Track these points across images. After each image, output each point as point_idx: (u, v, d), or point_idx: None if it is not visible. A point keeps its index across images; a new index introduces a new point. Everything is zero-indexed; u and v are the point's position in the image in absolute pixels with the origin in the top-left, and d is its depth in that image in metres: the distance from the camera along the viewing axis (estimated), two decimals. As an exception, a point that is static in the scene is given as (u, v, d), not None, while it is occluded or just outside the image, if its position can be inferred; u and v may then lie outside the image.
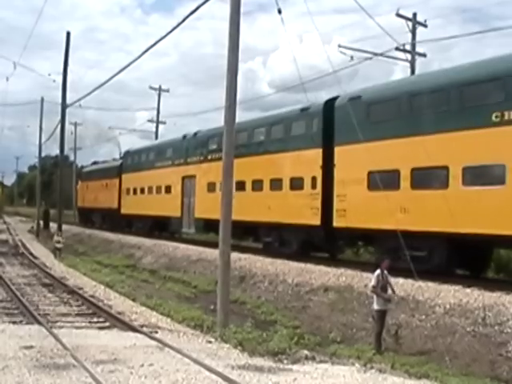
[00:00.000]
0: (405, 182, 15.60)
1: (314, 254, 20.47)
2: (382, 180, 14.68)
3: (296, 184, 19.91)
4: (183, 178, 28.51)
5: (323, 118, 19.16)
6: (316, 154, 19.10)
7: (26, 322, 11.60)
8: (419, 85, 16.33)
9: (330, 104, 19.00)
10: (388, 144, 16.23)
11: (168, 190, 30.42)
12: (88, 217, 47.52)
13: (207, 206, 24.71)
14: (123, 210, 36.97)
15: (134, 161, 36.83)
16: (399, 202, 15.39)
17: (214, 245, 22.22)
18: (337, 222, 17.78)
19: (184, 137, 29.56)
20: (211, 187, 24.88)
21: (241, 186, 22.09)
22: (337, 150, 18.21)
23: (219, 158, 23.90)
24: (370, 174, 16.51)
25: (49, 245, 32.30)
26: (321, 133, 19.17)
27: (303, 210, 19.20)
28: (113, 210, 39.14)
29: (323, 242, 19.43)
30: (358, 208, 17.18)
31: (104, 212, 42.36)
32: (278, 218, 20.49)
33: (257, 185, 22.10)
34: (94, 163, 50.69)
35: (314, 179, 19.06)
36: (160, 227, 32.82)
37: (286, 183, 20.37)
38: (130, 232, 35.30)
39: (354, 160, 17.27)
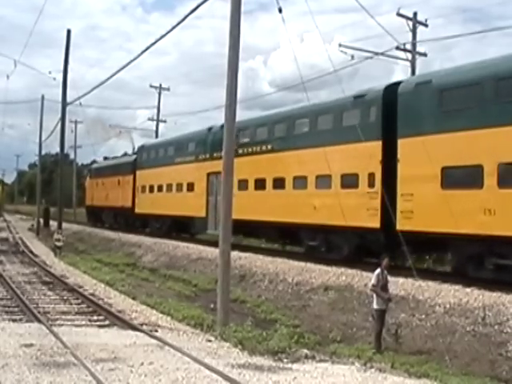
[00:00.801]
0: (489, 179, 13.67)
1: (368, 260, 18.11)
2: (460, 177, 13.57)
3: (348, 181, 17.66)
4: (208, 175, 25.93)
5: (383, 106, 16.92)
6: (374, 147, 16.77)
7: (26, 320, 11.61)
8: (508, 66, 14.00)
9: (390, 90, 16.85)
10: (468, 135, 14.26)
11: (190, 187, 27.84)
12: (98, 216, 44.75)
13: (238, 206, 22.51)
14: (138, 209, 34.59)
15: (150, 156, 34.13)
16: (482, 202, 13.66)
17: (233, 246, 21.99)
18: (401, 225, 15.21)
19: (209, 129, 26.98)
20: (242, 185, 22.63)
21: (279, 183, 20.56)
22: (401, 142, 16.02)
23: (252, 153, 22.79)
24: (444, 169, 14.67)
25: (49, 243, 32.31)
26: (380, 123, 16.91)
27: (358, 211, 16.99)
28: (126, 208, 36.81)
29: (382, 247, 16.60)
30: (429, 209, 15.11)
31: (116, 211, 39.75)
32: (325, 219, 18.26)
33: (299, 182, 19.80)
34: (105, 159, 47.97)
35: (371, 176, 16.88)
36: (180, 228, 30.64)
37: (336, 180, 17.86)
38: (145, 232, 33.24)
39: (424, 154, 15.02)
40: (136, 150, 39.73)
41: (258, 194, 22.05)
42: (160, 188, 31.54)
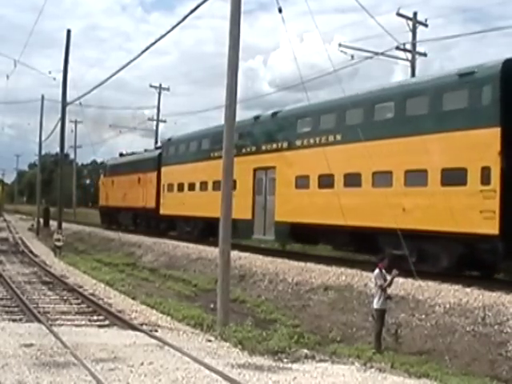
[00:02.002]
0: None
1: (471, 274, 15.82)
2: None
3: (452, 177, 14.53)
4: (255, 171, 22.54)
5: (501, 85, 13.77)
6: (489, 135, 13.73)
7: (26, 320, 11.60)
8: None
9: (510, 65, 13.86)
10: None
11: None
12: (113, 217, 40.35)
13: (296, 207, 19.64)
14: (163, 211, 30.65)
15: (178, 151, 30.17)
16: None
17: (296, 256, 19.28)
18: None
19: (256, 118, 23.60)
20: (302, 182, 19.43)
21: (354, 180, 17.33)
22: None
23: (315, 144, 19.00)
24: None
25: (49, 243, 32.31)
26: (498, 106, 13.74)
27: (466, 214, 14.06)
28: (148, 209, 33.12)
29: (499, 258, 14.19)
30: None
31: (136, 212, 35.85)
32: (417, 223, 15.12)
33: (381, 179, 16.54)
34: (121, 155, 44.35)
35: (485, 170, 13.78)
36: (214, 232, 28.27)
37: (435, 176, 14.87)
38: (172, 236, 30.18)
39: None
40: (160, 143, 35.79)
41: (323, 193, 18.44)
42: (192, 186, 27.78)
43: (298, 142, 20.07)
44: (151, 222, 33.52)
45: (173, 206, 29.32)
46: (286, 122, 21.26)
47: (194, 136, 29.45)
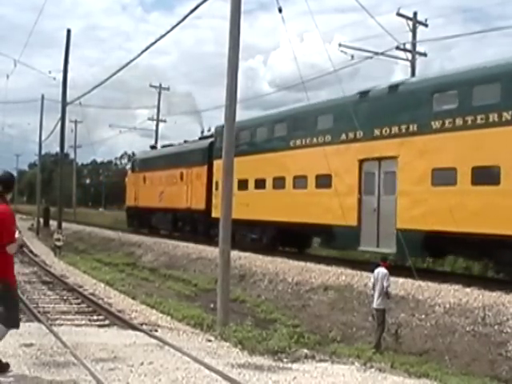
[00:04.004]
0: None
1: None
2: None
3: None
4: (361, 162, 17.40)
5: None
6: None
7: (26, 319, 11.57)
8: None
9: None
10: None
11: (325, 182, 18.37)
12: (144, 219, 35.27)
13: (433, 210, 14.76)
14: (217, 213, 23.33)
15: (238, 139, 22.64)
16: None
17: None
18: None
19: (362, 94, 17.92)
20: (444, 176, 14.68)
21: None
22: None
23: (465, 126, 14.15)
24: None
25: (49, 242, 32.32)
26: None
27: None
28: (195, 211, 27.72)
29: None
30: None
31: (177, 214, 30.48)
32: None
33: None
34: (153, 148, 39.38)
35: None
36: (290, 239, 22.33)
37: None
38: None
39: None
40: (213, 131, 28.22)
41: (480, 192, 13.77)
42: (260, 183, 22.30)
43: (436, 124, 14.99)
44: (199, 226, 27.74)
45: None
46: (413, 98, 15.86)
47: (262, 120, 23.67)
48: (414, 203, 15.28)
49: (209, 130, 27.46)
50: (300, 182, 19.68)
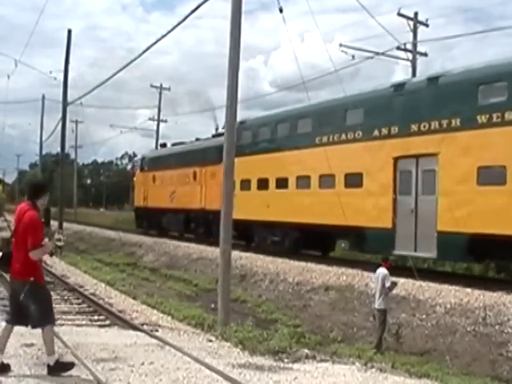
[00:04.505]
0: None
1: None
2: None
3: None
4: (396, 160, 16.28)
5: None
6: None
7: (27, 319, 11.60)
8: None
9: None
10: None
11: (354, 180, 17.43)
12: (154, 221, 33.85)
13: (480, 211, 13.79)
14: (234, 214, 22.39)
15: (258, 136, 23.12)
16: None
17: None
18: None
19: (397, 87, 16.80)
20: (493, 175, 13.70)
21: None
22: None
23: None
24: None
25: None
26: None
27: None
28: (209, 212, 25.94)
29: None
30: None
31: (190, 215, 29.13)
32: None
33: None
34: (163, 146, 37.83)
35: None
36: (315, 242, 20.98)
37: None
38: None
39: None
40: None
41: None
42: (282, 183, 20.94)
43: (482, 118, 13.99)
44: (213, 227, 25.02)
45: (250, 208, 21.80)
46: (456, 90, 14.82)
47: (283, 116, 22.08)
48: (458, 204, 14.18)
49: (223, 128, 22.91)
50: (326, 181, 18.39)
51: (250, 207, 21.84)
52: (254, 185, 22.48)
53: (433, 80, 15.65)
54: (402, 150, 16.02)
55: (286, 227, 20.83)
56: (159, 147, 38.69)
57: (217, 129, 36.33)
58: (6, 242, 6.89)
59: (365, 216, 16.56)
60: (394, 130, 16.19)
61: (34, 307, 6.50)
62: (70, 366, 6.71)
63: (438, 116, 15.09)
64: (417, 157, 15.68)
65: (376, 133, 16.84)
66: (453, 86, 14.98)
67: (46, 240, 6.82)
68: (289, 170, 20.54)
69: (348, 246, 20.33)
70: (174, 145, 35.41)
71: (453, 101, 14.78)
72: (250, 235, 23.60)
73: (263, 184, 21.83)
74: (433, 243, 14.81)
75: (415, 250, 15.49)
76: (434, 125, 15.23)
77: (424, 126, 15.47)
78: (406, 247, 15.64)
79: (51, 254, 6.73)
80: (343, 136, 18.11)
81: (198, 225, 28.40)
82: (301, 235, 20.47)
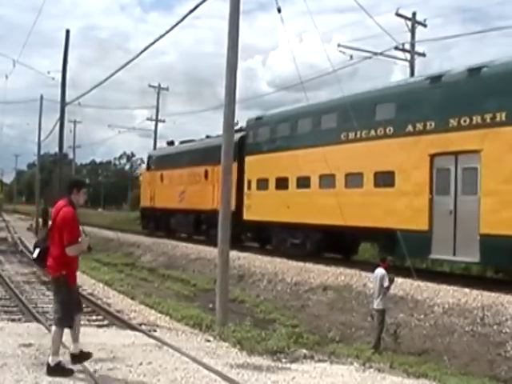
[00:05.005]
0: None
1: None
2: None
3: None
4: (433, 157, 15.08)
5: None
6: None
7: (25, 319, 11.59)
8: None
9: None
10: None
11: (384, 179, 16.10)
12: (161, 222, 32.45)
13: None
14: (249, 215, 22.42)
15: (275, 132, 21.78)
16: None
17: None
18: None
19: (434, 79, 15.57)
20: None
21: None
22: None
23: None
24: None
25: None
26: None
27: None
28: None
29: None
30: None
31: (201, 216, 27.61)
32: None
33: None
34: (170, 144, 36.32)
35: None
36: (339, 245, 19.85)
37: None
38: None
39: None
40: (244, 125, 24.80)
41: None
42: (303, 182, 19.72)
43: None
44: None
45: (267, 209, 21.04)
46: (501, 82, 13.57)
47: (304, 111, 20.50)
48: (504, 204, 13.03)
49: (237, 124, 21.69)
50: (353, 180, 17.24)
51: (268, 208, 21.08)
52: (271, 184, 21.34)
53: (474, 71, 14.42)
54: (440, 147, 14.79)
55: (307, 229, 19.52)
56: (166, 145, 37.20)
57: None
58: (42, 239, 6.95)
59: (396, 217, 15.50)
60: (431, 125, 15.08)
61: (57, 306, 6.62)
62: (69, 372, 6.68)
63: (480, 110, 13.92)
64: (456, 154, 14.44)
65: (410, 128, 15.66)
66: (497, 77, 13.72)
67: (83, 236, 6.80)
68: (311, 169, 19.12)
69: (378, 251, 18.06)
70: (182, 142, 34.12)
71: (497, 94, 13.57)
72: (265, 237, 22.66)
73: (282, 183, 20.69)
74: (475, 247, 13.66)
75: (454, 254, 14.35)
76: (476, 119, 14.04)
77: (464, 121, 14.27)
78: (444, 251, 14.52)
79: (89, 250, 6.62)
80: (372, 132, 16.88)
81: (210, 226, 25.52)
82: (323, 237, 19.26)
